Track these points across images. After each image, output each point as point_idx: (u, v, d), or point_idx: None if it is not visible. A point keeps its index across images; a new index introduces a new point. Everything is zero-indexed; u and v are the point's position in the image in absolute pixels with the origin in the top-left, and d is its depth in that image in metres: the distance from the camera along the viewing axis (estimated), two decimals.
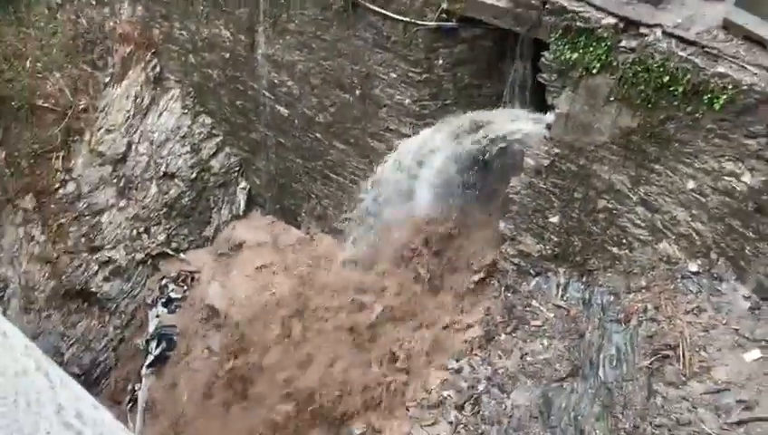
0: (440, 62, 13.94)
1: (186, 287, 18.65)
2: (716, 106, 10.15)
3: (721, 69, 10.08)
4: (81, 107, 18.00)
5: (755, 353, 10.21)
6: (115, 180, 18.48)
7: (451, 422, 12.57)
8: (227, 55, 17.07)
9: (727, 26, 10.41)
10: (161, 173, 18.54)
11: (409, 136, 14.93)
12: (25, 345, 2.38)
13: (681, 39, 10.50)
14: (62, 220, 18.17)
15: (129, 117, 18.25)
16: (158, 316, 18.33)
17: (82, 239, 18.34)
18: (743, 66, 10.06)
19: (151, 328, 18.27)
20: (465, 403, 12.65)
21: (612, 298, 12.17)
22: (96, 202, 18.42)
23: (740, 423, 9.79)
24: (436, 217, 15.34)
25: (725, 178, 10.54)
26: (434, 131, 14.56)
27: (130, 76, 18.17)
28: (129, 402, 17.96)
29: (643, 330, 11.19)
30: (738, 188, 10.42)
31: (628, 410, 10.73)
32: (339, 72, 15.11)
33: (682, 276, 11.32)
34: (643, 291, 11.71)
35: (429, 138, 14.64)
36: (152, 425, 17.14)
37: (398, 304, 15.26)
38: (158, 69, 18.26)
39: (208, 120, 18.78)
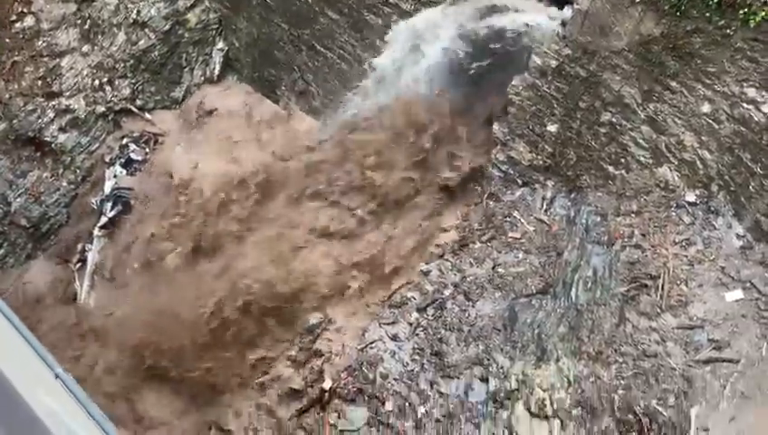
0: None
1: (148, 150, 18.20)
2: (752, 23, 9.68)
3: None
4: None
5: (737, 294, 10.29)
6: (79, 21, 17.48)
7: (411, 323, 12.74)
8: None
9: None
10: (131, 20, 17.55)
11: (410, 14, 14.16)
12: None
13: None
14: (17, 58, 17.32)
15: None
16: (115, 177, 17.96)
17: (39, 82, 17.54)
18: None
19: (107, 189, 17.93)
20: (428, 306, 12.77)
21: (599, 219, 12.07)
22: (57, 43, 17.48)
23: (707, 362, 10.00)
24: (431, 107, 14.80)
25: (744, 105, 10.21)
26: (439, 12, 13.80)
27: None
28: (78, 262, 17.91)
29: (625, 256, 11.18)
30: (756, 118, 10.11)
31: (594, 335, 10.90)
32: None
33: (677, 205, 11.20)
34: (633, 215, 11.61)
35: (434, 19, 13.90)
36: (100, 288, 17.18)
37: (371, 200, 15.01)
38: None
39: None
